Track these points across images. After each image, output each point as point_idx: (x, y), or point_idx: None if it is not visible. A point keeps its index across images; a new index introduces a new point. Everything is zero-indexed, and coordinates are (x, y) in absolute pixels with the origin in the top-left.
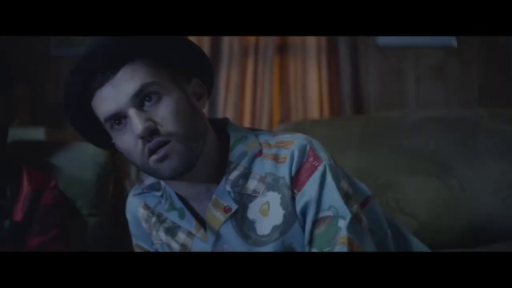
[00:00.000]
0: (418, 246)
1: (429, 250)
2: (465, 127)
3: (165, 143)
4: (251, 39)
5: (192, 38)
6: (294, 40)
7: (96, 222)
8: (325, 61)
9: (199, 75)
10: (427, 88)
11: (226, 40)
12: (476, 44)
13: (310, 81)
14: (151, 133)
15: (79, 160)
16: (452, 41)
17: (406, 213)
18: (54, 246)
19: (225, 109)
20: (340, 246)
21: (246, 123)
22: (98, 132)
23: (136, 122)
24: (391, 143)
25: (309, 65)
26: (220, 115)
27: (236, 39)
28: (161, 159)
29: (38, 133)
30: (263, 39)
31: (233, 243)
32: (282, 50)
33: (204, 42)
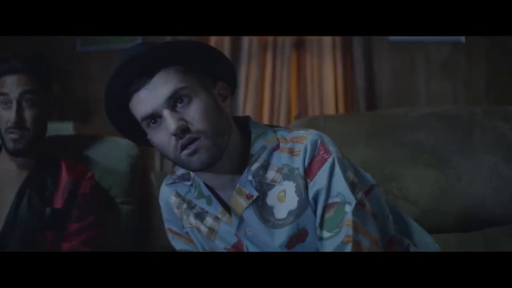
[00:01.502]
0: (417, 230)
1: (427, 234)
2: (461, 123)
3: (195, 139)
4: (270, 37)
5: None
6: (311, 38)
7: (129, 209)
8: (340, 57)
9: (224, 78)
10: (436, 83)
11: (245, 37)
12: (484, 40)
13: (325, 77)
14: (183, 131)
15: (113, 153)
16: (460, 37)
17: (408, 200)
18: (91, 232)
19: (245, 103)
20: (346, 228)
21: (265, 117)
22: (134, 129)
23: (170, 121)
24: (395, 138)
25: (325, 61)
26: (240, 109)
27: (255, 37)
28: (192, 154)
29: (66, 128)
30: (281, 37)
31: (254, 226)
32: (299, 47)
33: (224, 40)
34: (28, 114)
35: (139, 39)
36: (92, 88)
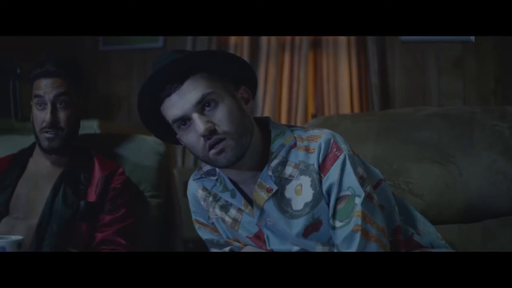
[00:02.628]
0: (421, 220)
1: (430, 224)
2: (462, 122)
3: (221, 140)
4: (288, 36)
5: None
6: (327, 37)
7: (157, 202)
8: (355, 56)
9: (246, 83)
10: (447, 81)
11: (264, 37)
12: (493, 40)
13: (341, 75)
14: (210, 132)
15: (142, 150)
16: (470, 36)
17: (414, 193)
18: (123, 223)
19: (264, 101)
20: (356, 218)
21: (283, 114)
22: (163, 129)
23: (199, 124)
24: (402, 136)
25: (340, 60)
26: (259, 106)
27: (273, 37)
28: (219, 153)
29: (91, 125)
30: (298, 37)
31: (274, 216)
32: (316, 46)
33: (244, 40)
34: (62, 114)
35: (160, 39)
36: (114, 86)
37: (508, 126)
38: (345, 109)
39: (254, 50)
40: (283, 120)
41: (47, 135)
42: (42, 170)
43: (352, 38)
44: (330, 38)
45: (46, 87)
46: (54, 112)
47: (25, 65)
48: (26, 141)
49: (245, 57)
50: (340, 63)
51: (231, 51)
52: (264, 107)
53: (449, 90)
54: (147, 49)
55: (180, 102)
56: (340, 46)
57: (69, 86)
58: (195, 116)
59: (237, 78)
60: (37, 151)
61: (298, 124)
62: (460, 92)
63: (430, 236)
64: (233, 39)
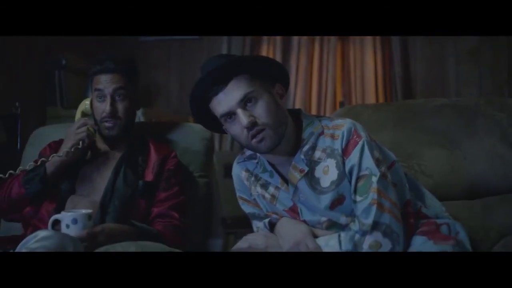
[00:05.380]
0: (428, 196)
1: (436, 200)
2: (468, 112)
3: (261, 130)
4: None
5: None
6: None
7: (204, 181)
8: (380, 47)
9: (280, 81)
10: (464, 70)
11: None
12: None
13: (367, 65)
14: (252, 124)
15: (191, 136)
16: None
17: (425, 174)
18: (176, 199)
19: (295, 90)
20: (373, 194)
21: (313, 101)
22: (211, 122)
23: (243, 118)
24: (416, 124)
25: (366, 51)
26: (291, 94)
27: None
28: (259, 141)
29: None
30: None
31: (306, 192)
32: (343, 38)
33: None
34: (120, 106)
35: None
36: (153, 75)
37: (506, 116)
38: (371, 96)
39: (286, 43)
40: (314, 107)
41: (107, 124)
42: (102, 155)
43: None
44: None
45: (105, 82)
46: (113, 104)
47: (69, 56)
48: (69, 127)
49: (277, 49)
50: (366, 54)
51: (264, 43)
52: (295, 96)
53: (466, 79)
54: (184, 40)
55: (226, 100)
56: (366, 38)
57: (126, 81)
58: (239, 111)
59: (273, 77)
60: (98, 138)
61: (328, 110)
62: (477, 81)
63: (436, 209)
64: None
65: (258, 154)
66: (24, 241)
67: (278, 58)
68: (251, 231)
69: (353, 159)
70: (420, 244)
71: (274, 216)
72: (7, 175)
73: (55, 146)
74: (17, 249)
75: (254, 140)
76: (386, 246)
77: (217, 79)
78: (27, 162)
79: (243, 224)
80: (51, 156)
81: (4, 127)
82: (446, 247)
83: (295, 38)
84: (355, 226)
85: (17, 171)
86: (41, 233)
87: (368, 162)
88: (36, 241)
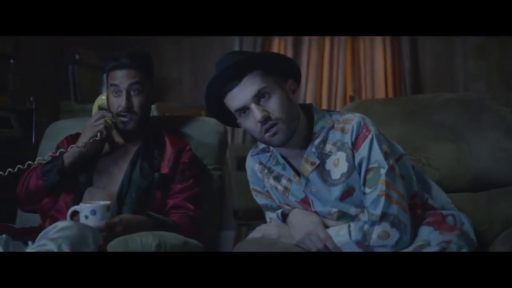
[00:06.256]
0: (435, 187)
1: (442, 191)
2: (473, 107)
3: (274, 124)
4: None
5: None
6: None
7: (218, 174)
8: (389, 42)
9: (292, 77)
10: (472, 64)
11: None
12: None
13: (376, 59)
14: (266, 119)
15: (205, 129)
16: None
17: (432, 166)
18: (191, 191)
19: (306, 84)
20: (381, 185)
21: (324, 95)
22: (225, 116)
23: (256, 112)
24: (423, 118)
25: (376, 45)
26: (302, 88)
27: None
28: (273, 135)
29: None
30: None
31: (317, 184)
32: None
33: None
34: (135, 100)
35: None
36: (166, 69)
37: (511, 111)
38: (380, 90)
39: (297, 38)
40: (324, 101)
41: (123, 118)
42: (119, 148)
43: None
44: None
45: (121, 78)
46: (129, 98)
47: (83, 51)
48: (84, 121)
49: (289, 43)
50: (376, 49)
51: (276, 38)
52: (306, 90)
53: (474, 74)
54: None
55: (240, 95)
56: None
57: (141, 76)
58: (253, 106)
59: (285, 73)
60: (114, 131)
61: (338, 105)
62: (484, 76)
63: (442, 201)
64: None
65: (271, 148)
66: (44, 231)
67: (289, 53)
68: (262, 223)
69: (362, 152)
70: (427, 234)
71: (287, 207)
72: (25, 166)
73: (72, 139)
74: (37, 240)
75: (268, 134)
76: (394, 236)
77: (232, 75)
78: (43, 156)
79: (255, 216)
80: (70, 147)
81: (19, 122)
82: (452, 237)
83: None
84: (364, 217)
85: (35, 163)
86: (61, 224)
87: (377, 155)
88: (57, 231)
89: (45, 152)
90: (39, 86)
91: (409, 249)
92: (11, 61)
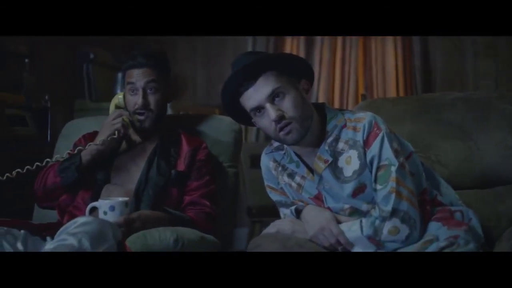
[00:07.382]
0: (444, 184)
1: (451, 188)
2: (481, 105)
3: (288, 123)
4: None
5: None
6: None
7: (233, 171)
8: (400, 41)
9: (305, 76)
10: (481, 62)
11: None
12: None
13: (388, 57)
14: (280, 118)
15: (221, 128)
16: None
17: (441, 164)
18: (207, 188)
19: (318, 83)
20: (392, 182)
21: (336, 94)
22: (241, 114)
23: (271, 111)
24: (433, 116)
25: (387, 43)
26: (314, 86)
27: None
28: (287, 134)
29: None
30: None
31: (330, 181)
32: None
33: None
34: (151, 99)
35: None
36: (179, 68)
37: None
38: (391, 88)
39: (310, 37)
40: (336, 99)
41: (139, 116)
42: (136, 146)
43: None
44: None
45: (138, 76)
46: (145, 97)
47: (97, 50)
48: (100, 120)
49: (301, 42)
50: (387, 48)
51: (289, 37)
52: (319, 88)
53: (483, 72)
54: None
55: (255, 95)
56: None
57: (157, 75)
58: (268, 105)
59: (299, 73)
60: (131, 130)
61: (350, 103)
62: (494, 74)
63: (450, 197)
64: None
65: (285, 146)
66: (64, 227)
67: (302, 51)
68: (276, 220)
69: (373, 150)
70: (435, 229)
71: (300, 203)
72: (43, 163)
73: (89, 137)
74: (57, 235)
75: (282, 132)
76: (404, 231)
77: (247, 75)
78: (60, 154)
79: (268, 214)
80: (88, 144)
81: (34, 120)
82: (459, 232)
83: None
84: (375, 213)
85: (53, 160)
86: (81, 219)
87: (388, 153)
88: (77, 226)
89: (62, 150)
90: (54, 85)
91: (418, 244)
92: (26, 60)
